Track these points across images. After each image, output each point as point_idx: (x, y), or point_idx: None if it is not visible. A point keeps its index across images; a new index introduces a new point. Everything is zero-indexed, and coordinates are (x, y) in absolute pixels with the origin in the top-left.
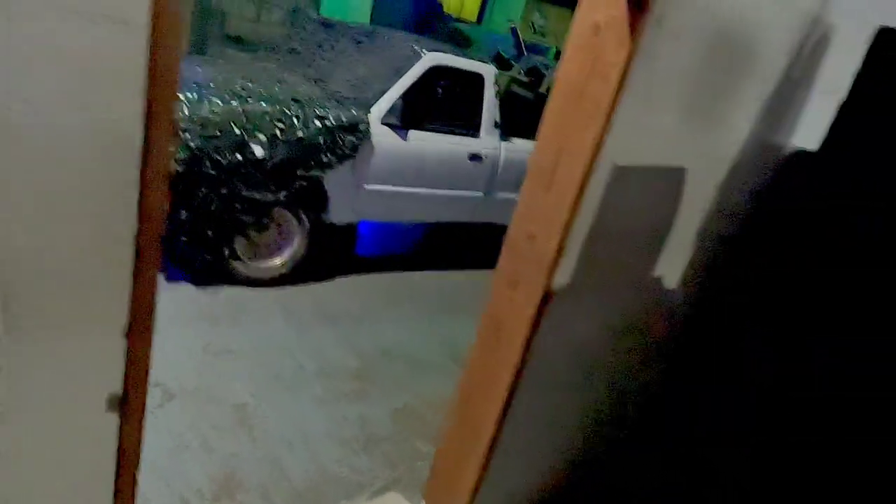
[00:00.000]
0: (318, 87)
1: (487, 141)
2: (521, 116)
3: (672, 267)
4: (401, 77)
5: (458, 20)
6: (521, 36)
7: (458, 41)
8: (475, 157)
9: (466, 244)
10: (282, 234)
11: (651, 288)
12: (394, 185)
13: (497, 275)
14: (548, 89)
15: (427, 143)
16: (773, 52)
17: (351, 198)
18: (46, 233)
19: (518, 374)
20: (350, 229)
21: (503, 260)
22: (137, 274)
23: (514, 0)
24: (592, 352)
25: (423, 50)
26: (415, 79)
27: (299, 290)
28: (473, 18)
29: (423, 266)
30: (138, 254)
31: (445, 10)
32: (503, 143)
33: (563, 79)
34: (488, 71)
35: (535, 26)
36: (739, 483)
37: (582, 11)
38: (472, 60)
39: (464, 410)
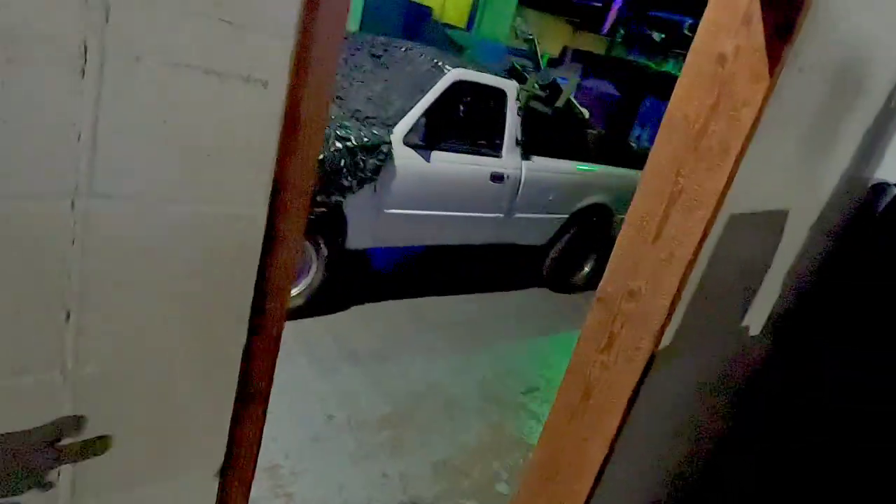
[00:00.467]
0: (336, 106)
1: (509, 160)
2: (539, 133)
3: (758, 314)
4: (423, 94)
5: (448, 27)
6: (538, 48)
7: (450, 48)
8: (497, 178)
9: (473, 265)
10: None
11: (740, 338)
12: (415, 208)
13: (585, 333)
14: (565, 104)
15: (450, 163)
16: (881, 81)
17: (371, 223)
18: (133, 355)
19: (612, 446)
20: (362, 254)
21: (593, 318)
22: (243, 403)
23: (503, 6)
24: (683, 411)
25: (447, 65)
26: (438, 96)
27: (316, 322)
28: (463, 25)
29: (437, 290)
30: (246, 378)
31: (434, 17)
32: (524, 163)
33: (677, 116)
34: (511, 86)
35: (518, 32)
36: None
37: (703, 39)
38: (494, 76)
39: (544, 485)
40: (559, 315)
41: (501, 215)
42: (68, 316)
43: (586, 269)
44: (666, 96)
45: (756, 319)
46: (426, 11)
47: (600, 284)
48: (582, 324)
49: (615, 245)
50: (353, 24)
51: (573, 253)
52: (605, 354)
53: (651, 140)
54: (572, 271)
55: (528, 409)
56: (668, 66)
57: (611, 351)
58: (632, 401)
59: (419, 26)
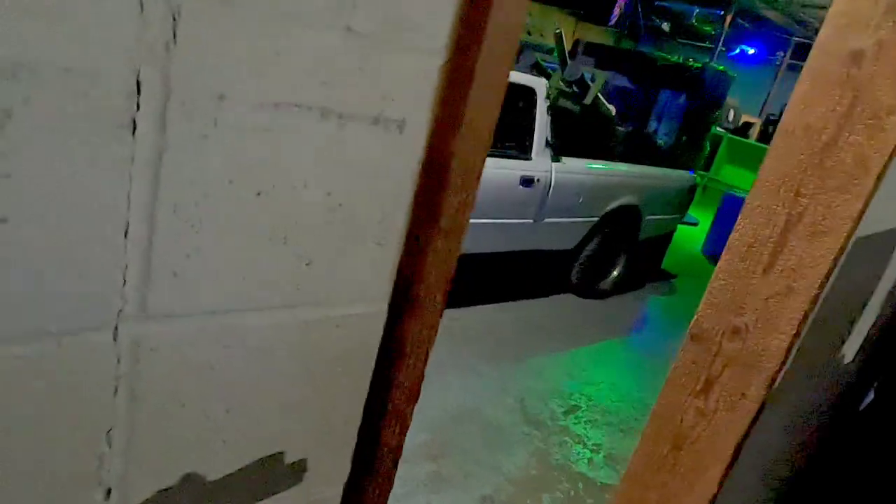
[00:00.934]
0: None
1: (539, 162)
2: (568, 132)
3: (856, 341)
4: None
5: None
6: (563, 43)
7: None
8: (527, 182)
9: (498, 273)
10: None
11: (837, 369)
12: None
13: (676, 375)
14: (594, 101)
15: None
16: None
17: None
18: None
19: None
20: None
21: (685, 357)
22: None
23: None
24: (780, 457)
25: None
26: None
27: None
28: None
29: (464, 301)
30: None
31: None
32: (554, 165)
33: (795, 126)
34: (540, 84)
35: (527, 26)
36: None
37: (830, 35)
38: (522, 73)
39: None
40: (591, 324)
41: (531, 220)
42: (108, 495)
43: (615, 273)
44: (679, 88)
45: (852, 346)
46: None
47: (694, 320)
48: (615, 331)
49: (713, 276)
50: None
51: (602, 257)
52: (701, 400)
53: (668, 136)
54: (601, 276)
55: (572, 433)
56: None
57: (708, 396)
58: (736, 454)
59: None
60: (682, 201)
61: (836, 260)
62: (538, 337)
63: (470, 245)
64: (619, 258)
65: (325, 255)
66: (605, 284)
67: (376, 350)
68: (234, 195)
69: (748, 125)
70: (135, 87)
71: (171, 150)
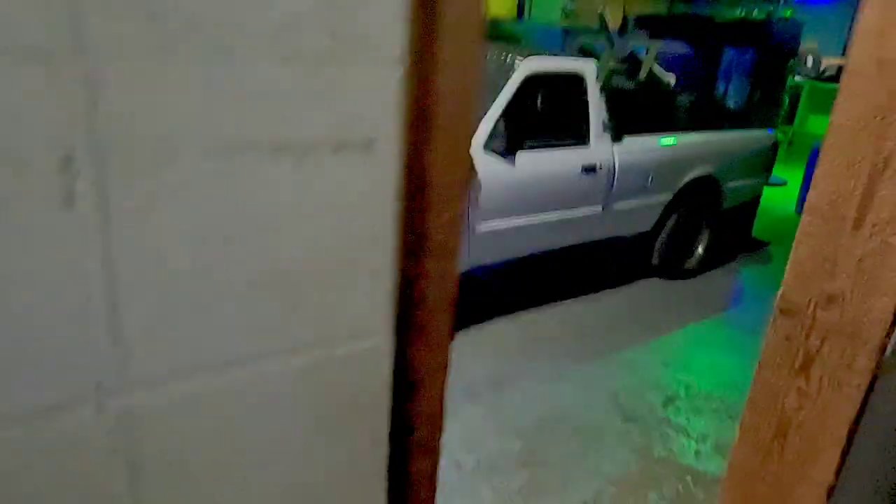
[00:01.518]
0: None
1: (599, 148)
2: (626, 111)
3: None
4: (497, 94)
5: (498, 20)
6: (607, 22)
7: (504, 40)
8: (589, 169)
9: (574, 265)
10: None
11: None
12: (507, 218)
13: (768, 354)
14: (647, 76)
15: (536, 163)
16: None
17: (466, 243)
18: None
19: (831, 492)
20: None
21: (776, 334)
22: None
23: None
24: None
25: (518, 59)
26: (513, 92)
27: None
28: (513, 14)
29: (541, 299)
30: None
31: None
32: (615, 147)
33: (869, 59)
34: (589, 68)
35: (566, 11)
36: None
37: None
38: (568, 60)
39: None
40: (679, 306)
41: (599, 208)
42: None
43: (699, 250)
44: (743, 44)
45: None
46: None
47: (780, 292)
48: (708, 311)
49: (795, 242)
50: None
51: (683, 235)
52: (802, 380)
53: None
54: (685, 255)
55: (675, 424)
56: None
57: (809, 375)
58: (850, 435)
59: None
60: (763, 162)
61: None
62: (624, 327)
63: (538, 243)
64: (702, 233)
65: (313, 293)
66: (691, 262)
67: (389, 383)
68: (200, 248)
69: (839, 68)
70: (65, 162)
71: (120, 216)
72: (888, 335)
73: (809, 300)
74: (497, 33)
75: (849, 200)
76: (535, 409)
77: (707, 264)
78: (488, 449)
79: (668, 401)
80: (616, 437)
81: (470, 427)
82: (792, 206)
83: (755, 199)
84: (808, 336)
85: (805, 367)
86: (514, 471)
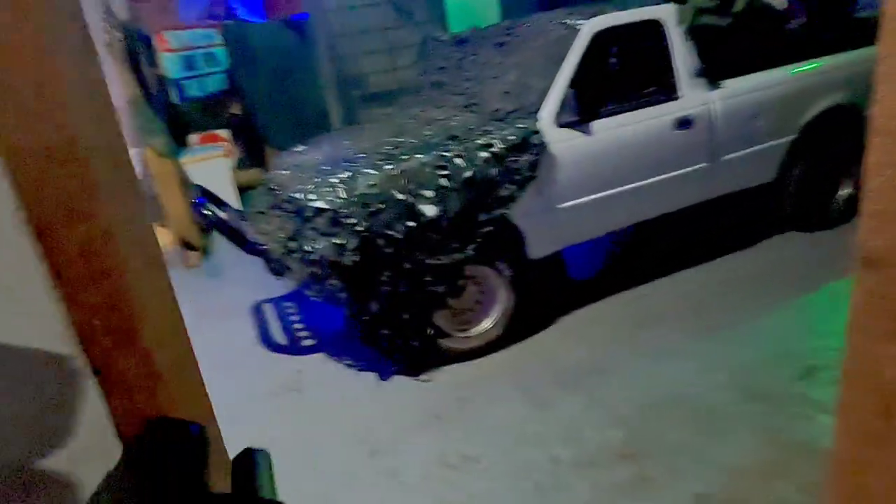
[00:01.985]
0: (474, 113)
1: (692, 97)
2: (724, 51)
3: None
4: (561, 63)
5: None
6: None
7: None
8: (683, 123)
9: (693, 231)
10: (483, 291)
11: None
12: (592, 193)
13: (858, 317)
14: (743, 7)
15: (618, 129)
16: None
17: (547, 225)
18: None
19: None
20: (555, 258)
21: (863, 291)
22: None
23: None
24: None
25: (578, 21)
26: (579, 58)
27: (522, 349)
28: None
29: (653, 273)
30: None
31: None
32: (712, 94)
33: None
34: (666, 12)
35: None
36: None
37: None
38: (639, 9)
39: None
40: (821, 262)
41: (705, 165)
42: None
43: (844, 191)
44: None
45: None
46: None
47: (859, 239)
48: (844, 266)
49: (865, 173)
50: (493, 19)
51: (821, 178)
52: None
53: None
54: (825, 200)
55: (811, 401)
56: None
57: None
58: None
59: None
60: None
61: None
62: (753, 293)
63: (633, 214)
64: (844, 172)
65: None
66: (835, 208)
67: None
68: None
69: None
70: None
71: None
72: None
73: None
74: None
75: None
76: (640, 395)
77: (855, 207)
78: (587, 440)
79: (806, 373)
80: (739, 420)
81: (568, 419)
82: None
83: None
84: None
85: None
86: (616, 464)
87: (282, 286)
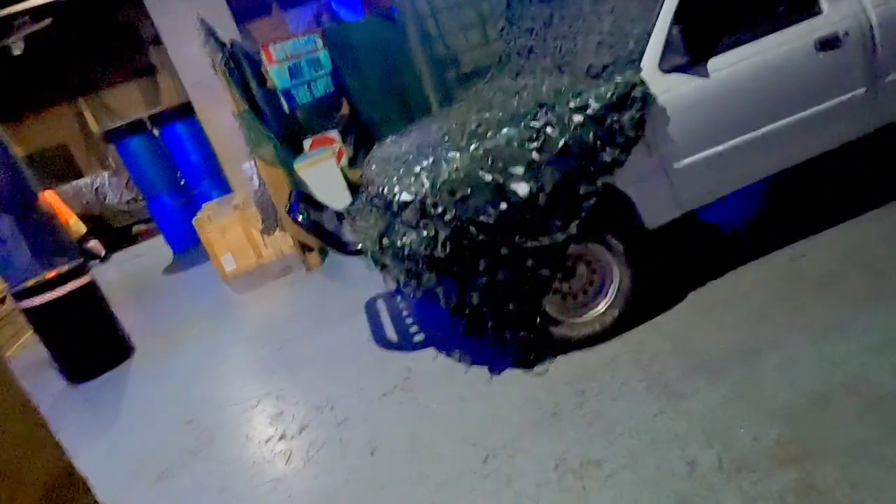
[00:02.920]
0: (566, 74)
1: (838, 9)
2: None
3: None
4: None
5: None
6: None
7: None
8: (829, 43)
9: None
10: (595, 270)
11: None
12: (715, 145)
13: None
14: None
15: (740, 63)
16: None
17: (663, 189)
18: None
19: None
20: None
21: None
22: None
23: None
24: None
25: None
26: None
27: (648, 332)
28: None
29: (807, 229)
30: None
31: None
32: (865, 0)
33: None
34: None
35: None
36: None
37: None
38: None
39: None
40: None
41: (863, 90)
42: None
43: None
44: None
45: None
46: None
47: None
48: None
49: None
50: None
51: None
52: None
53: None
54: None
55: None
56: None
57: None
58: None
59: None
60: None
61: None
62: None
63: (780, 160)
64: None
65: None
66: None
67: None
68: None
69: None
70: None
71: None
72: None
73: None
74: None
75: None
76: (800, 383)
77: None
78: (736, 441)
79: None
80: None
81: (709, 414)
82: None
83: None
84: None
85: None
86: (776, 470)
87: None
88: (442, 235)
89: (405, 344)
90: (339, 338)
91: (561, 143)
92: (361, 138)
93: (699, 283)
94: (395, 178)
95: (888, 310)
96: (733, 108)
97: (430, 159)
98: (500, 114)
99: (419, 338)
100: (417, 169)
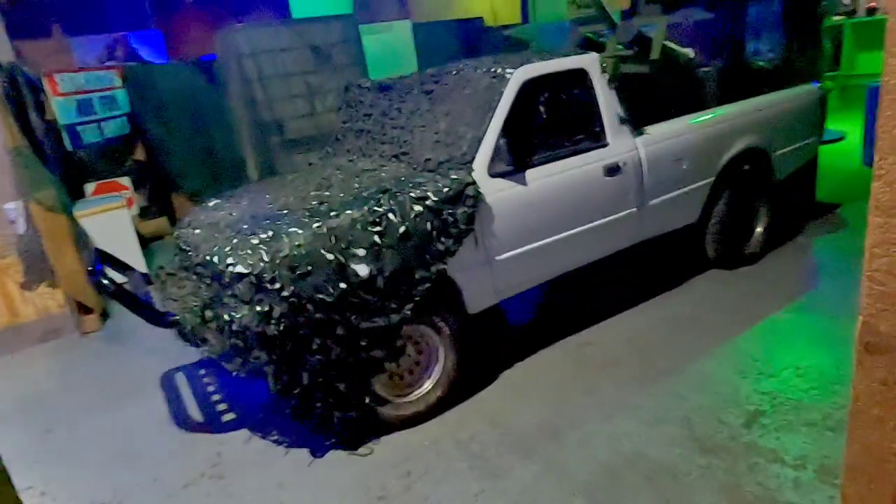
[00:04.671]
0: (404, 164)
1: (619, 144)
2: (645, 99)
3: None
4: (492, 112)
5: (505, 28)
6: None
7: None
8: (613, 170)
9: (622, 275)
10: (422, 351)
11: None
12: (530, 242)
13: (862, 406)
14: (663, 52)
15: (551, 177)
16: None
17: (486, 278)
18: None
19: None
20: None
21: (867, 378)
22: None
23: None
24: None
25: (507, 69)
26: (509, 107)
27: (468, 410)
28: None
29: (591, 317)
30: None
31: (488, 24)
32: (638, 140)
33: None
34: (590, 61)
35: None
36: None
37: None
38: (566, 58)
39: None
40: (749, 298)
41: (634, 209)
42: None
43: (759, 229)
44: None
45: None
46: (478, 23)
47: (860, 325)
48: (782, 298)
49: (866, 258)
50: (411, 69)
51: (737, 218)
52: None
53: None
54: (743, 239)
55: (763, 449)
56: None
57: None
58: None
59: (476, 40)
60: (813, 120)
61: None
62: (690, 334)
63: (576, 259)
64: (759, 211)
65: None
66: (753, 245)
67: None
68: None
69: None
70: None
71: None
72: None
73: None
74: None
75: None
76: (597, 457)
77: (772, 243)
78: None
79: (751, 419)
80: (697, 478)
81: (524, 489)
82: (857, 158)
83: (812, 162)
84: None
85: None
86: None
87: (196, 353)
88: (277, 311)
89: (213, 425)
90: (129, 418)
91: (402, 229)
92: (156, 189)
93: (508, 364)
94: (228, 247)
95: (658, 389)
96: (544, 214)
97: (270, 232)
98: (342, 194)
99: (229, 417)
100: (255, 241)
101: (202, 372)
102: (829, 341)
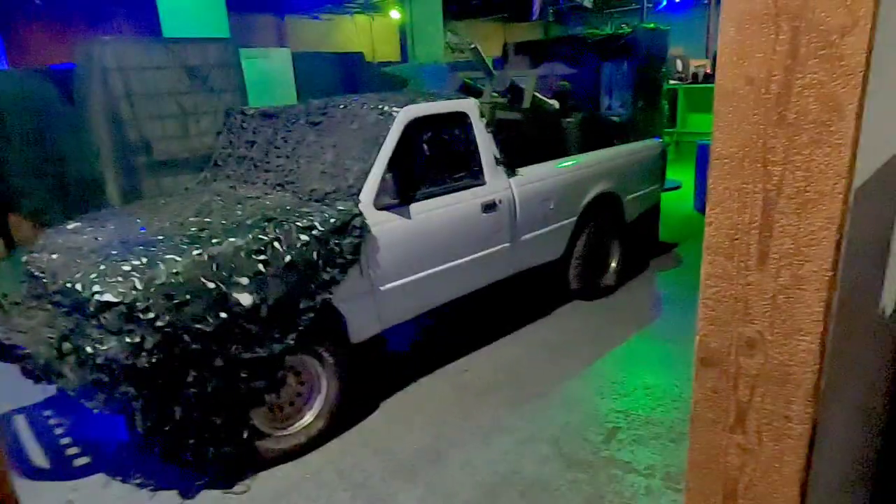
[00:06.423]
0: (289, 193)
1: (495, 184)
2: (516, 143)
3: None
4: (379, 147)
5: (384, 65)
6: (483, 55)
7: (393, 85)
8: (489, 207)
9: (492, 305)
10: (304, 381)
11: (881, 326)
12: (412, 273)
13: (699, 409)
14: (533, 102)
15: (434, 211)
16: None
17: (370, 307)
18: None
19: None
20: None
21: (702, 386)
22: None
23: (431, 26)
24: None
25: (393, 107)
26: (395, 143)
27: (348, 440)
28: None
29: (468, 346)
30: None
31: (368, 60)
32: (512, 181)
33: (736, 79)
34: (470, 105)
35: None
36: None
37: None
38: (448, 100)
39: None
40: (606, 326)
41: (508, 244)
42: None
43: (613, 264)
44: (617, 57)
45: (890, 295)
46: (357, 58)
47: (697, 341)
48: (633, 325)
49: (701, 285)
50: (289, 98)
51: (595, 254)
52: (740, 435)
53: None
54: (601, 272)
55: (619, 462)
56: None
57: (745, 429)
58: (803, 489)
59: (356, 74)
60: (657, 170)
61: (840, 227)
62: (557, 359)
63: (451, 291)
64: (612, 248)
65: None
66: (608, 279)
67: None
68: None
69: (707, 74)
70: None
71: None
72: (820, 375)
73: (729, 346)
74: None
75: (748, 234)
76: (476, 478)
77: (624, 277)
78: None
79: (609, 436)
80: (567, 491)
81: None
82: (690, 205)
83: (656, 206)
84: (735, 387)
85: (740, 421)
86: None
87: (39, 391)
88: (150, 343)
89: (62, 471)
90: None
91: (287, 258)
92: None
93: (389, 393)
94: (94, 274)
95: (530, 411)
96: (427, 246)
97: (144, 259)
98: (225, 221)
99: (82, 461)
100: (127, 267)
101: (46, 413)
102: (672, 362)
